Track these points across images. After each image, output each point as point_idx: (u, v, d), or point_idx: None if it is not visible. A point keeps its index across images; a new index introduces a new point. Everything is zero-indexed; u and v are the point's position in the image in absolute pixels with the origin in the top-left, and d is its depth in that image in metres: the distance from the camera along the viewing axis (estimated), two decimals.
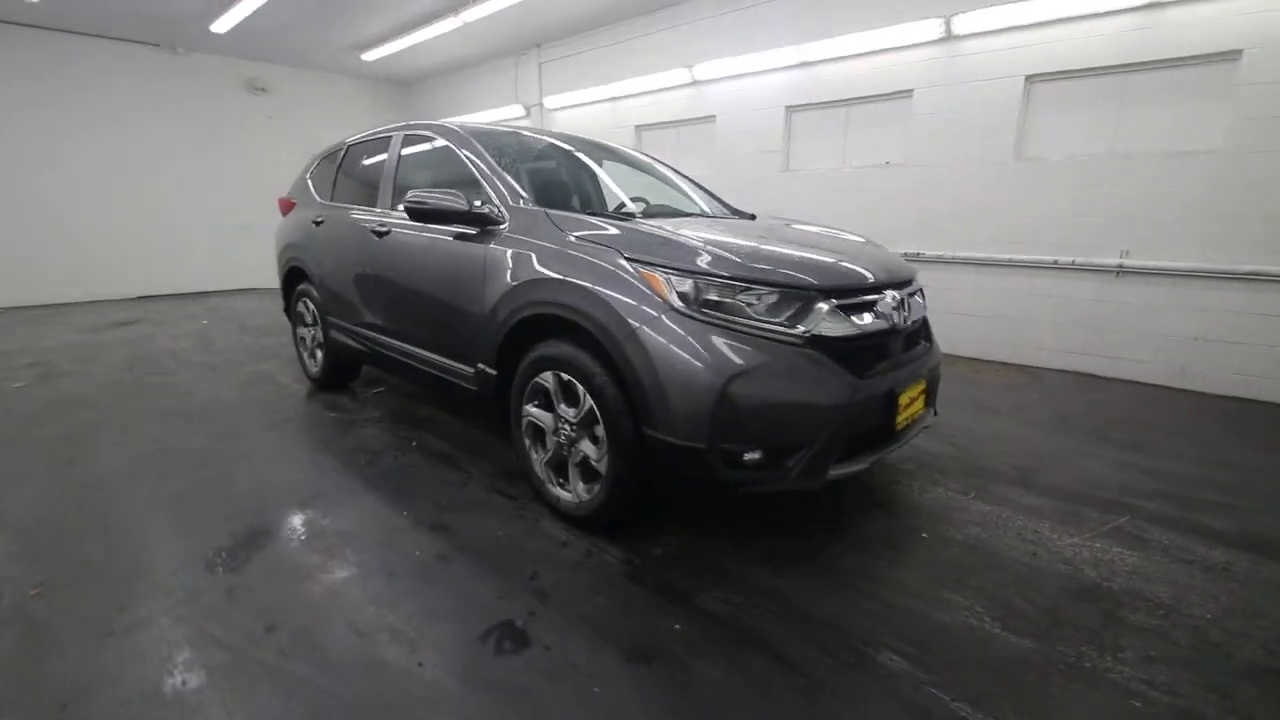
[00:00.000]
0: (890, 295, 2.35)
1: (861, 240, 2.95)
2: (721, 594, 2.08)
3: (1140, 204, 4.54)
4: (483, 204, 2.72)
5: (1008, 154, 5.09)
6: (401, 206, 2.80)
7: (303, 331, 4.43)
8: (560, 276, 2.30)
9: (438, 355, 3.05)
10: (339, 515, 2.57)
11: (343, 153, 4.11)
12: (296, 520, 2.53)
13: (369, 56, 8.74)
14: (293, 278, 4.43)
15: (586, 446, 2.35)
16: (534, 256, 2.45)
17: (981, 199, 5.26)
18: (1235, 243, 4.23)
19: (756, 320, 2.04)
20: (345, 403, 4.08)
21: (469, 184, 2.97)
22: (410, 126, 3.49)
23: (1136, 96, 4.52)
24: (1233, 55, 4.11)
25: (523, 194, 2.73)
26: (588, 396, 2.27)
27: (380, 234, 3.32)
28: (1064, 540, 2.47)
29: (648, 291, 2.09)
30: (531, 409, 2.55)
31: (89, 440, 3.40)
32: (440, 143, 3.26)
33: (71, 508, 2.64)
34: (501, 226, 2.66)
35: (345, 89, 10.46)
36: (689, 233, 2.35)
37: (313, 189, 4.35)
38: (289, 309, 4.61)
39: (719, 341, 2.01)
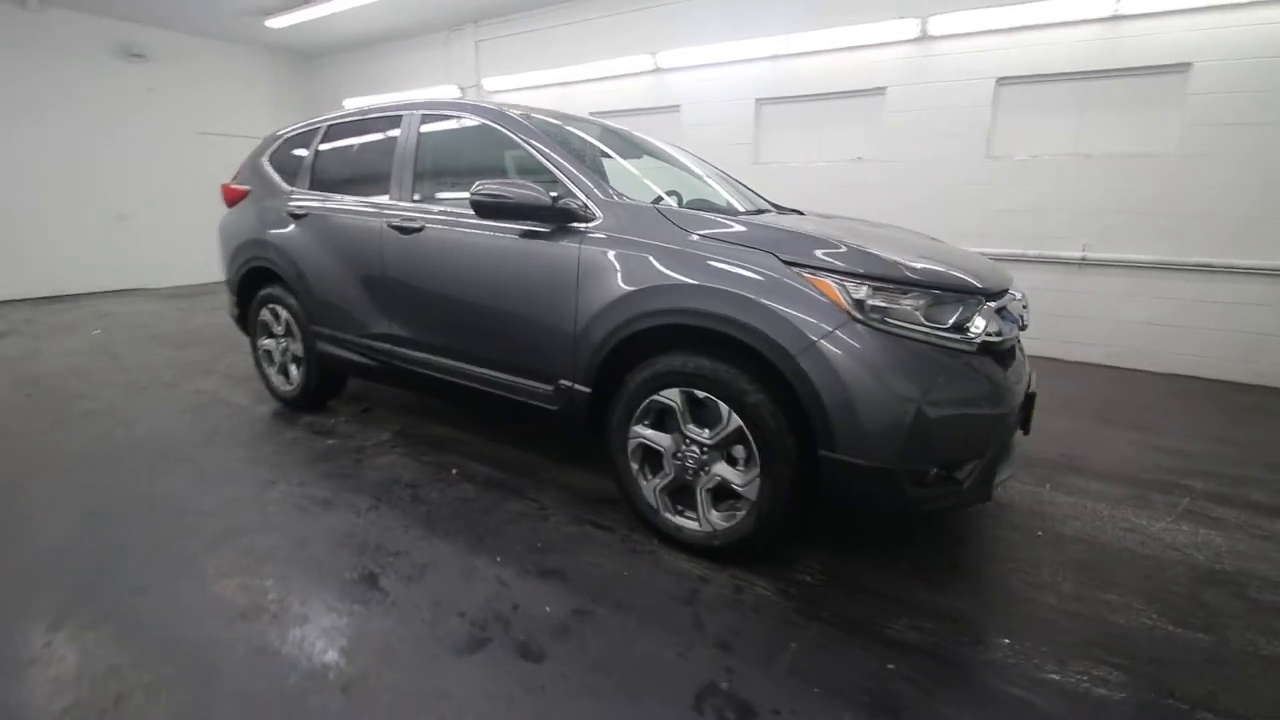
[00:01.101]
0: (1018, 296, 2.32)
1: (935, 239, 2.92)
2: (909, 621, 1.94)
3: (1100, 201, 4.94)
4: (560, 197, 2.38)
5: (978, 152, 5.35)
6: (468, 198, 2.37)
7: (267, 344, 3.76)
8: (698, 282, 2.04)
9: (498, 372, 2.66)
10: (420, 571, 2.15)
11: (320, 133, 3.50)
12: (381, 586, 2.08)
13: (275, 23, 7.67)
14: (253, 280, 3.74)
15: (723, 470, 2.12)
16: (651, 259, 2.16)
17: (952, 195, 5.50)
18: (1184, 237, 4.70)
19: (932, 327, 1.91)
20: (334, 425, 3.52)
21: (529, 174, 2.60)
22: (434, 105, 3.01)
23: (1097, 101, 4.89)
24: (1183, 67, 4.55)
25: (612, 187, 2.42)
26: (733, 416, 2.04)
27: (407, 230, 2.84)
28: (1154, 526, 2.58)
29: (822, 300, 1.89)
30: (644, 430, 2.27)
31: (20, 507, 2.66)
32: (474, 123, 2.85)
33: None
34: (592, 224, 2.34)
35: (242, 60, 9.17)
36: (813, 230, 2.18)
37: (275, 176, 3.69)
38: (244, 317, 3.91)
39: (907, 352, 1.86)
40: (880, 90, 5.67)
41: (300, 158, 3.60)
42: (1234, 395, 4.42)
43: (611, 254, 2.25)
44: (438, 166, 3.00)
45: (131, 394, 4.03)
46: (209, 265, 9.00)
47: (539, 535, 2.40)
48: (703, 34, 6.32)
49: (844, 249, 1.99)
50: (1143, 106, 4.75)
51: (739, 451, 2.11)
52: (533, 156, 2.58)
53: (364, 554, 2.25)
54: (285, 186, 3.60)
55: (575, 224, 2.37)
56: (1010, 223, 5.31)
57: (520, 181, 2.38)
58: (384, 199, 3.06)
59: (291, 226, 3.40)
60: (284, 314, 3.57)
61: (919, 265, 1.98)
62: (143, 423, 3.53)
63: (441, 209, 2.81)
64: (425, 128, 3.00)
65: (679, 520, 2.26)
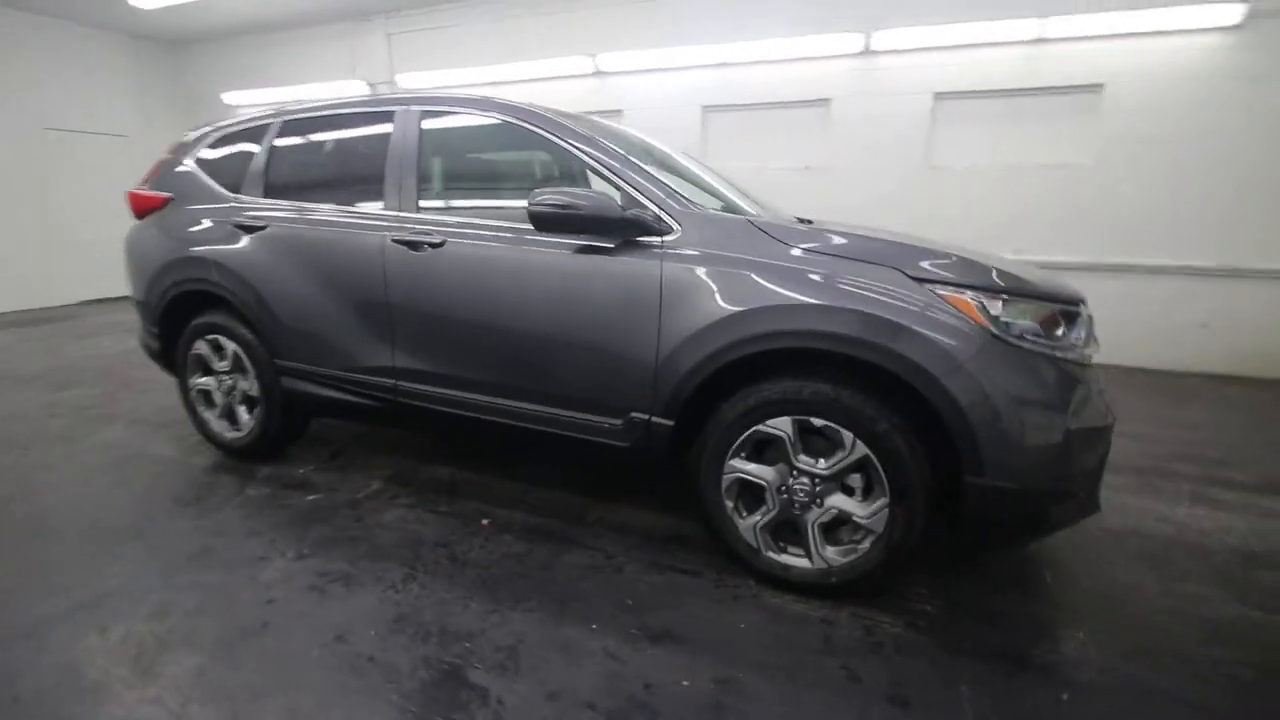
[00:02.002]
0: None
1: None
2: (1048, 645, 1.88)
3: (1029, 208, 5.36)
4: (625, 208, 2.11)
5: (920, 163, 5.63)
6: (521, 208, 2.03)
7: (204, 382, 3.10)
8: (827, 303, 1.86)
9: (549, 407, 2.32)
10: (510, 656, 1.79)
11: (273, 129, 2.94)
12: (473, 683, 1.70)
13: (144, 2, 6.52)
14: (182, 307, 3.07)
15: (841, 502, 1.96)
16: (756, 277, 1.95)
17: (895, 204, 5.75)
18: (1103, 240, 5.21)
19: (1054, 341, 1.87)
20: (305, 475, 2.96)
21: (566, 180, 2.32)
22: (439, 100, 2.60)
23: (1026, 117, 5.30)
24: (1097, 87, 5.04)
25: (687, 196, 2.19)
26: (858, 444, 1.88)
27: (418, 246, 2.41)
28: (1178, 513, 2.73)
29: (961, 318, 1.78)
30: (743, 464, 2.06)
31: None
32: (493, 121, 2.49)
33: None
34: (670, 238, 2.09)
35: (99, 46, 7.76)
36: (909, 241, 2.08)
37: (209, 180, 3.06)
38: (167, 351, 3.20)
39: (1044, 369, 1.80)
40: (826, 101, 5.82)
41: (245, 159, 3.00)
42: (1164, 381, 4.94)
43: (703, 271, 2.02)
44: (448, 171, 2.60)
45: (12, 456, 3.18)
46: (64, 283, 7.59)
47: (622, 590, 2.11)
48: (645, 37, 6.17)
49: (961, 261, 1.90)
50: (1065, 122, 5.21)
51: (853, 481, 1.96)
52: (580, 160, 2.28)
53: (429, 642, 1.84)
54: (225, 193, 2.99)
55: (648, 238, 2.11)
56: (950, 230, 5.61)
57: (585, 190, 2.09)
58: (374, 208, 2.61)
59: (244, 242, 2.81)
60: (231, 346, 2.95)
61: (1034, 277, 1.93)
62: (45, 495, 2.77)
63: (463, 220, 2.42)
64: (428, 125, 2.58)
65: (785, 559, 2.07)
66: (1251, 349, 4.95)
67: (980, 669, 1.77)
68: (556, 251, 2.22)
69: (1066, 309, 1.94)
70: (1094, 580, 2.24)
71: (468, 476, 2.96)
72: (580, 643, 1.85)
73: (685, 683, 1.70)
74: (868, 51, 5.54)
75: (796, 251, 1.98)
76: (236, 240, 2.84)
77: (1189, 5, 4.58)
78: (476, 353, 2.41)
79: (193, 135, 3.25)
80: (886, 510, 1.90)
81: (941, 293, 1.82)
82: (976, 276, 1.85)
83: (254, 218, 2.82)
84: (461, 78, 6.93)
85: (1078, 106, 5.14)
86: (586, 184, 2.34)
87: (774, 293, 1.91)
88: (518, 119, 2.41)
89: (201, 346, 3.05)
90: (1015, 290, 1.85)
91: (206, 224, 2.96)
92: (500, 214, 2.48)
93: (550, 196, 2.05)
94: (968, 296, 1.81)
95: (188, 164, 3.16)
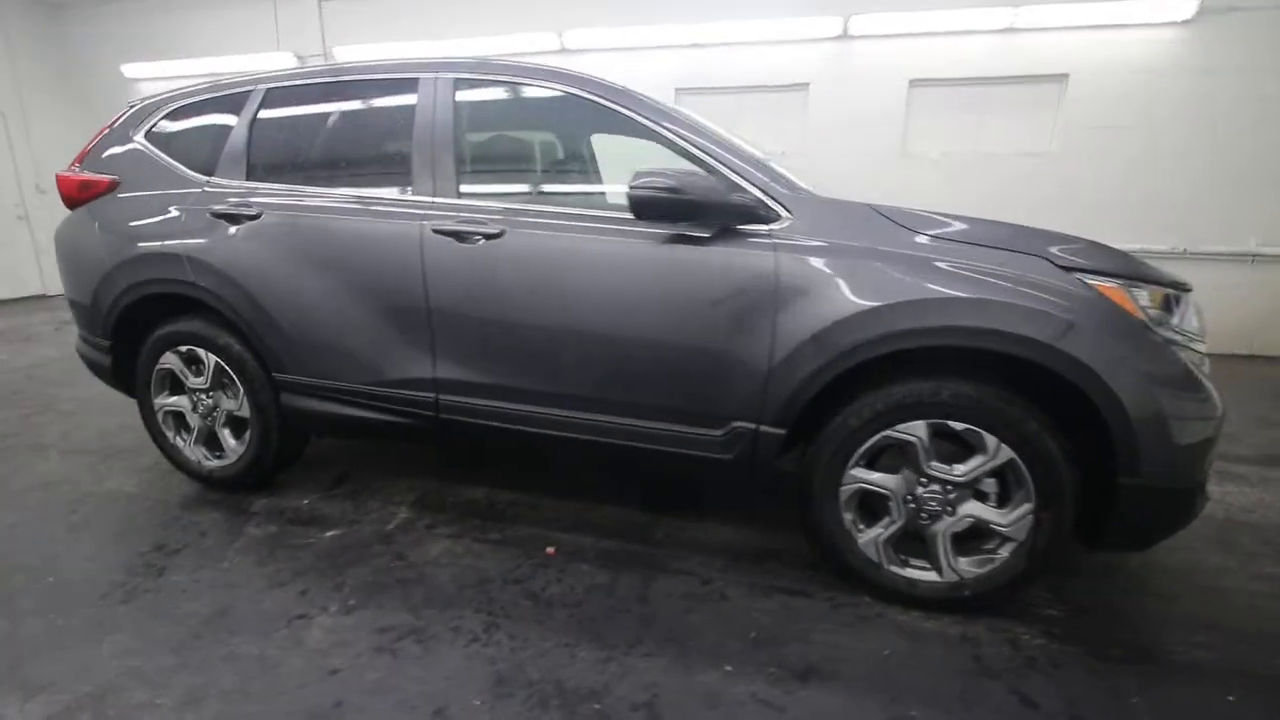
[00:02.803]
0: None
1: None
2: (1184, 642, 1.83)
3: (1001, 195, 5.51)
4: (729, 191, 1.88)
5: (895, 150, 5.67)
6: (614, 192, 1.77)
7: (173, 402, 2.60)
8: (981, 297, 1.70)
9: (633, 419, 2.05)
10: (650, 711, 1.54)
11: (255, 99, 2.45)
12: None
13: None
14: (143, 313, 2.54)
15: (977, 509, 1.84)
16: (889, 268, 1.77)
17: (872, 191, 5.77)
18: (1069, 225, 5.42)
19: (1188, 332, 1.82)
20: (309, 506, 2.53)
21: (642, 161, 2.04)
22: (478, 67, 2.23)
23: (997, 105, 5.44)
24: (1063, 77, 5.23)
25: (793, 179, 1.97)
26: (1002, 447, 1.76)
27: (471, 237, 2.06)
28: (1226, 492, 2.83)
29: (1117, 309, 1.68)
30: (866, 473, 1.89)
31: None
32: (548, 94, 2.18)
33: None
34: (779, 226, 1.88)
35: None
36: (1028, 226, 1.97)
37: (170, 160, 2.54)
38: (121, 366, 2.65)
39: (1189, 361, 1.73)
40: (804, 86, 5.74)
41: (218, 135, 2.50)
42: None
43: (824, 263, 1.82)
44: (492, 152, 2.25)
45: None
46: None
47: (738, 621, 1.89)
48: (616, 14, 5.86)
49: (1094, 246, 1.81)
50: (1033, 111, 5.39)
51: (986, 486, 1.85)
52: (665, 139, 2.02)
53: (551, 708, 1.56)
54: (195, 175, 2.48)
55: (753, 225, 1.89)
56: None
57: (691, 172, 1.84)
58: (397, 193, 2.23)
59: (232, 233, 2.34)
60: (211, 360, 2.47)
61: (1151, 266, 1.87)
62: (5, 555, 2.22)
63: (522, 207, 2.10)
64: (464, 97, 2.22)
65: (909, 573, 1.93)
66: (1209, 328, 5.33)
67: (1138, 677, 1.70)
68: (642, 241, 1.95)
69: (1182, 295, 1.90)
70: (1180, 566, 2.25)
71: (507, 497, 2.64)
72: (722, 690, 1.63)
73: None
74: (845, 36, 5.50)
75: (922, 239, 1.82)
76: (218, 232, 2.36)
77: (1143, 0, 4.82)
78: (543, 360, 2.10)
79: (139, 105, 2.69)
80: (1031, 516, 1.79)
81: (1092, 282, 1.71)
82: (1120, 264, 1.76)
83: (241, 205, 2.35)
84: (412, 51, 6.33)
85: (1045, 96, 5.32)
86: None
87: (915, 285, 1.74)
88: (584, 91, 2.11)
89: (171, 360, 2.54)
90: (1153, 279, 1.77)
91: (172, 213, 2.45)
92: (563, 200, 2.17)
93: (655, 179, 1.78)
94: (1116, 285, 1.71)
95: (136, 140, 2.61)
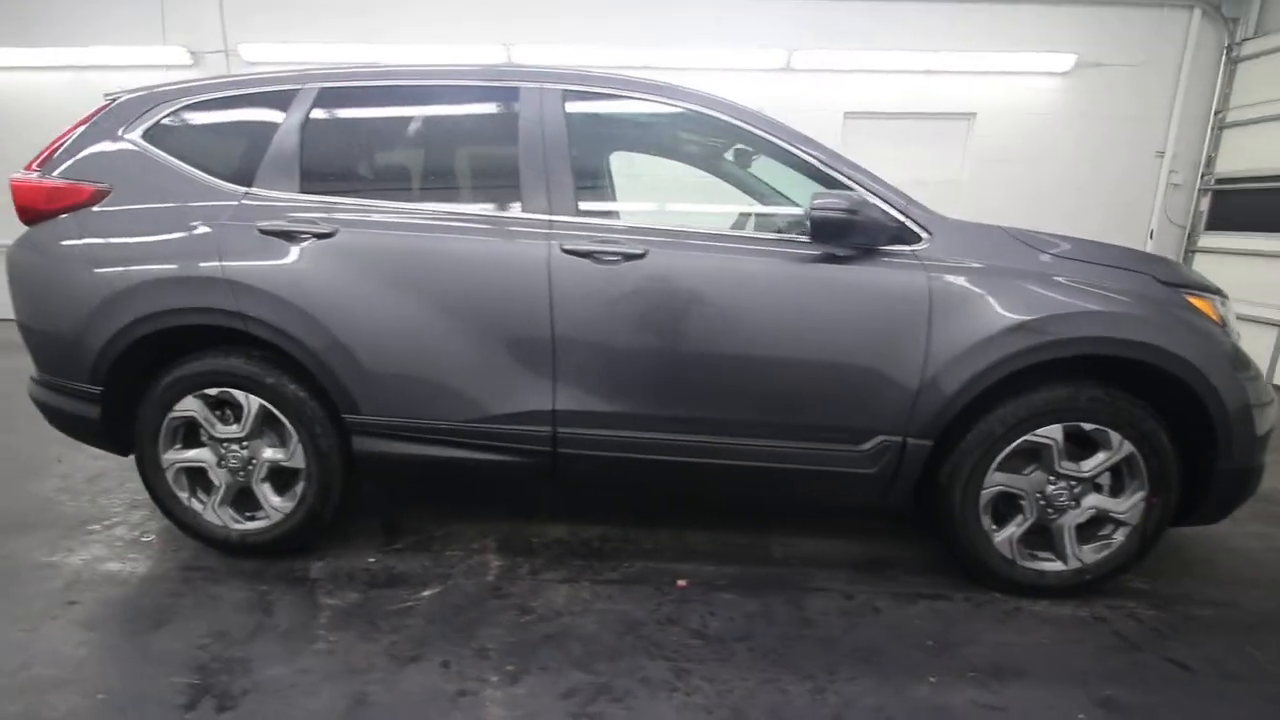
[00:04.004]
0: None
1: None
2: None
3: None
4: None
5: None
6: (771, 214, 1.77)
7: (194, 456, 2.14)
8: (1116, 311, 1.88)
9: (778, 441, 2.03)
10: None
11: (307, 99, 2.11)
12: None
13: None
14: (152, 351, 2.08)
15: (1098, 501, 2.03)
16: (1028, 285, 1.92)
17: None
18: None
19: (1235, 333, 2.15)
20: (378, 566, 2.20)
21: (788, 180, 2.07)
22: (583, 79, 2.11)
23: (919, 137, 6.07)
24: (971, 115, 5.96)
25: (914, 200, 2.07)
26: (1124, 443, 1.96)
27: (607, 257, 1.93)
28: None
29: (1208, 319, 1.95)
30: (1006, 476, 2.02)
31: None
32: (668, 110, 2.13)
33: None
34: (922, 246, 1.97)
35: None
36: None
37: (183, 165, 2.12)
38: (110, 417, 2.15)
39: (1252, 360, 2.05)
40: None
41: (255, 138, 2.13)
42: None
43: (971, 281, 1.93)
44: (608, 166, 2.14)
45: None
46: None
47: (905, 631, 1.93)
48: (564, 33, 5.77)
49: (1175, 263, 2.10)
50: (948, 143, 6.08)
51: (1104, 480, 2.05)
52: (802, 161, 2.04)
53: None
54: (225, 185, 2.10)
55: (895, 246, 1.96)
56: None
57: (860, 194, 1.87)
58: (500, 210, 2.05)
59: (294, 253, 1.99)
60: (253, 404, 2.08)
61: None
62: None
63: (657, 226, 2.00)
64: (575, 108, 2.08)
65: (1038, 565, 2.08)
66: None
67: (1238, 627, 1.97)
68: (793, 261, 1.95)
69: (1226, 300, 2.23)
70: (1214, 535, 2.57)
71: (592, 532, 2.47)
72: (942, 701, 1.65)
73: (1081, 715, 1.62)
74: (789, 69, 5.86)
75: (1046, 258, 2.00)
76: (272, 252, 2.00)
77: (1033, 53, 5.64)
78: (683, 385, 2.01)
79: (125, 99, 2.23)
80: (1143, 503, 2.01)
81: (1188, 296, 1.98)
82: (1197, 278, 2.06)
83: (305, 220, 2.01)
84: (335, 54, 5.77)
85: (957, 131, 6.03)
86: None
87: (1056, 300, 1.91)
88: (710, 109, 2.08)
89: (191, 406, 2.10)
90: (1215, 289, 2.08)
91: (199, 229, 2.04)
92: (697, 218, 2.11)
93: (834, 200, 1.81)
94: (1205, 298, 2.00)
95: (130, 141, 2.15)
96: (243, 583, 2.10)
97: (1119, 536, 2.06)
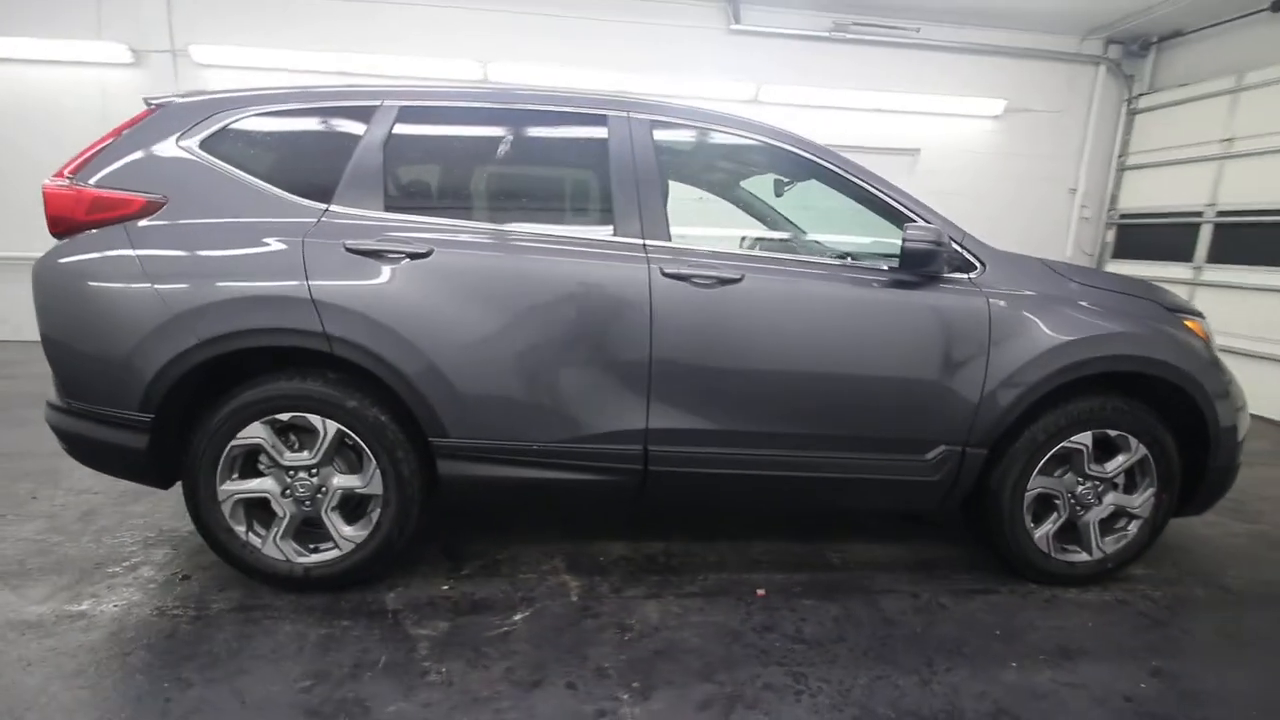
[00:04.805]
0: None
1: None
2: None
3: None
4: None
5: (794, 203, 6.48)
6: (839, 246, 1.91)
7: (256, 486, 2.01)
8: (1138, 331, 2.18)
9: (853, 453, 2.18)
10: (1000, 715, 1.69)
11: (389, 116, 2.06)
12: None
13: None
14: (213, 375, 1.94)
15: (1117, 498, 2.31)
16: (1068, 310, 2.19)
17: None
18: None
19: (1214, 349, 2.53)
20: (454, 594, 2.15)
21: (856, 210, 2.25)
22: (680, 112, 2.22)
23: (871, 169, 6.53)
24: (915, 151, 6.52)
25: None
26: (1140, 446, 2.26)
27: (707, 281, 2.01)
28: None
29: (1199, 339, 2.29)
30: (1043, 480, 2.26)
31: None
32: (744, 142, 2.30)
33: None
34: (975, 274, 2.19)
35: None
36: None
37: (250, 178, 2.01)
38: (158, 446, 1.98)
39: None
40: None
41: (331, 152, 2.07)
42: None
43: (1021, 305, 2.17)
44: (695, 194, 2.21)
45: None
46: None
47: (974, 624, 2.12)
48: (543, 51, 5.81)
49: (1166, 290, 2.44)
50: (896, 177, 6.56)
51: (1119, 479, 2.34)
52: (874, 196, 2.24)
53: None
54: (300, 200, 2.01)
55: (956, 274, 2.18)
56: None
57: (934, 227, 2.06)
58: (593, 233, 2.10)
59: (386, 273, 1.93)
60: (330, 429, 1.99)
61: None
62: None
63: (749, 252, 2.14)
64: (663, 137, 2.16)
65: (1069, 557, 2.34)
66: None
67: (1251, 606, 2.31)
68: (867, 287, 2.13)
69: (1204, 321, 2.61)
70: (1194, 529, 2.97)
71: (654, 548, 2.52)
72: (1030, 682, 1.84)
73: (1143, 684, 1.85)
74: (757, 100, 6.18)
75: (1074, 286, 2.29)
76: (362, 272, 1.94)
77: (971, 97, 6.28)
78: (770, 403, 2.12)
79: (175, 105, 2.08)
80: (1153, 497, 2.32)
81: (1185, 320, 2.32)
82: (1188, 304, 2.41)
83: (398, 240, 1.96)
84: (299, 60, 5.52)
85: (904, 165, 6.57)
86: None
87: (1093, 323, 2.18)
88: (789, 144, 2.24)
89: (257, 433, 1.98)
90: (1199, 312, 2.45)
91: (275, 245, 1.95)
92: (780, 245, 2.23)
93: (924, 233, 2.00)
94: (1197, 322, 2.34)
95: (185, 150, 2.02)
96: (316, 619, 1.98)
97: (1132, 529, 2.36)
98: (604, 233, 2.10)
